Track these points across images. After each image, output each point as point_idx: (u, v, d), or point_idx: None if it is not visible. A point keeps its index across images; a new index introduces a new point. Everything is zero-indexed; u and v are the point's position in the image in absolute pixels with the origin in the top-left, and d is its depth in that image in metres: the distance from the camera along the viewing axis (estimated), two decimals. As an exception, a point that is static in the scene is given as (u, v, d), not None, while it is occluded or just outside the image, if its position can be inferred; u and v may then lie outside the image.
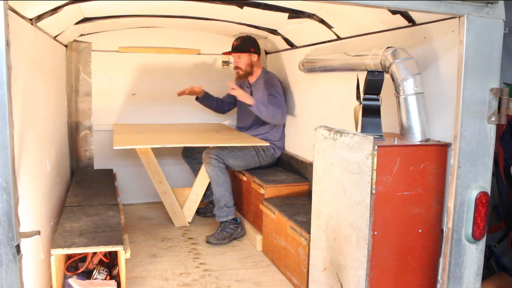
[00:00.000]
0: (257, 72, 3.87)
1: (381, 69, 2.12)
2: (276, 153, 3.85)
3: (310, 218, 2.27)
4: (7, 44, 1.28)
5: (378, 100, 2.04)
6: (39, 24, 2.48)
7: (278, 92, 3.66)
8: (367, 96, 2.03)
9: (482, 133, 1.83)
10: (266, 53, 4.39)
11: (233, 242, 3.51)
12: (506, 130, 2.51)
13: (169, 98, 4.35)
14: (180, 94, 3.99)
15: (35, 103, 2.41)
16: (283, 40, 3.79)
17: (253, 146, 3.68)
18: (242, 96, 3.53)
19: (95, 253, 2.59)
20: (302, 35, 3.43)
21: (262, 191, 3.39)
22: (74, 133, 4.06)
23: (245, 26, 3.73)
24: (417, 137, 1.98)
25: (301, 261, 2.69)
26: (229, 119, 4.53)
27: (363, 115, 2.03)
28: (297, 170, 3.67)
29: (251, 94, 3.86)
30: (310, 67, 3.18)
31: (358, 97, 2.07)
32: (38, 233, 1.46)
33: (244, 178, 3.76)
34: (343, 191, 1.96)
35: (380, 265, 1.88)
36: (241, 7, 2.98)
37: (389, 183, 1.84)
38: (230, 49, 3.84)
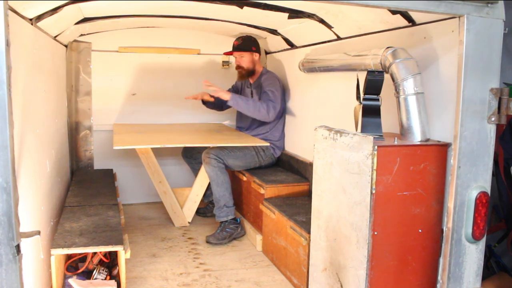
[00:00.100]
0: (258, 71, 3.87)
1: (381, 69, 2.12)
2: (276, 153, 3.85)
3: (310, 218, 2.27)
4: (7, 44, 1.28)
5: (378, 100, 2.04)
6: (39, 24, 2.48)
7: (275, 89, 3.64)
8: (367, 96, 2.03)
9: (482, 133, 1.83)
10: (266, 53, 4.39)
11: (233, 242, 3.51)
12: (506, 130, 2.51)
13: (169, 98, 4.35)
14: (190, 98, 3.83)
15: (35, 103, 2.41)
16: (283, 40, 3.79)
17: (253, 146, 3.67)
18: (217, 92, 3.51)
19: (95, 253, 2.59)
20: (302, 35, 3.43)
21: (262, 191, 3.39)
22: (74, 133, 4.06)
23: (245, 26, 3.73)
24: (417, 137, 1.98)
25: (301, 261, 2.69)
26: (229, 119, 4.53)
27: (363, 115, 2.03)
28: (297, 170, 3.66)
29: (252, 94, 3.87)
30: (310, 67, 3.18)
31: (358, 97, 2.07)
32: (38, 233, 1.46)
33: (244, 178, 3.76)
34: (343, 191, 1.96)
35: (380, 265, 1.88)
36: (241, 7, 2.99)
37: (389, 183, 1.84)
38: (230, 49, 3.84)
